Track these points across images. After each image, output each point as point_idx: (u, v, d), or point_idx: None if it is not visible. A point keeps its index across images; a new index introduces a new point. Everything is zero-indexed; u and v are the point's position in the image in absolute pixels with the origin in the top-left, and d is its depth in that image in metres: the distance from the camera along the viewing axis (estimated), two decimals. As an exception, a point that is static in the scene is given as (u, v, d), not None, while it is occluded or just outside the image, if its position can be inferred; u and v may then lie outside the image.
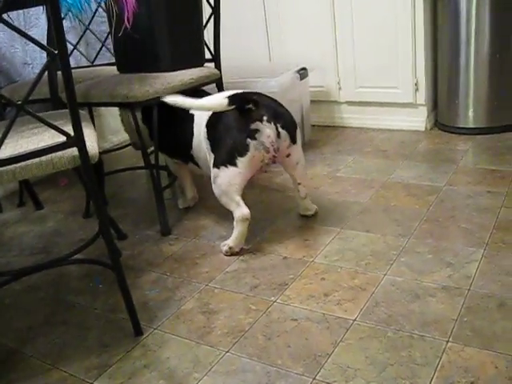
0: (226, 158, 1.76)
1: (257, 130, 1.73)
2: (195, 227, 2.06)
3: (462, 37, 2.57)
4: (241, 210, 1.78)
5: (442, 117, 2.81)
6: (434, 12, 2.72)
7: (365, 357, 1.27)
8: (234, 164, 1.75)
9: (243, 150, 1.73)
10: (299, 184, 1.93)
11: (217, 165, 1.78)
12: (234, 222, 1.80)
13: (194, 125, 1.92)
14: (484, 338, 1.28)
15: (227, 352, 1.35)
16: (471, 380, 1.16)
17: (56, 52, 1.15)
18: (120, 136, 3.24)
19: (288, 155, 1.84)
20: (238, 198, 1.79)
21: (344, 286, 1.56)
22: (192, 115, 1.94)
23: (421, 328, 1.34)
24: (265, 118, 1.74)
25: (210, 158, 1.83)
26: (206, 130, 1.84)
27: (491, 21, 2.49)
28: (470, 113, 2.68)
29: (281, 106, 1.84)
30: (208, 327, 1.46)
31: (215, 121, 1.81)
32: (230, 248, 1.81)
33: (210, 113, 1.84)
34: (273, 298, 1.54)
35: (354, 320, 1.41)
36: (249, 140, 1.73)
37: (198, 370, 1.31)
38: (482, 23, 2.50)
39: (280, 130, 1.77)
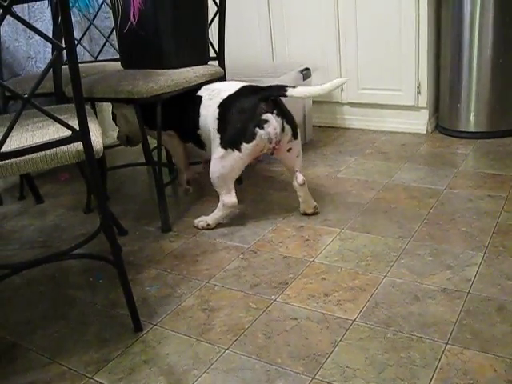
0: (232, 141, 1.86)
1: (266, 121, 1.83)
2: (196, 225, 2.06)
3: (464, 41, 2.58)
4: (231, 198, 1.94)
5: (444, 120, 2.82)
6: (437, 16, 2.72)
7: (364, 357, 1.28)
8: (239, 149, 1.85)
9: (250, 137, 1.84)
10: (296, 171, 1.99)
11: (224, 145, 1.87)
12: (220, 205, 1.96)
13: (202, 106, 1.98)
14: (483, 341, 1.28)
15: (227, 349, 1.36)
16: (470, 382, 1.17)
17: (64, 46, 1.15)
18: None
19: (289, 149, 1.94)
20: (232, 186, 1.93)
21: (344, 286, 1.56)
22: (200, 97, 2.00)
23: (420, 330, 1.35)
24: (275, 111, 1.85)
25: (215, 137, 1.90)
26: (218, 110, 1.90)
27: (494, 25, 2.50)
28: (472, 117, 2.68)
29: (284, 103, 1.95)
30: (208, 324, 1.46)
31: (229, 103, 1.90)
32: (208, 225, 1.99)
33: (226, 95, 1.92)
34: (273, 297, 1.55)
35: (354, 320, 1.41)
36: (257, 129, 1.83)
37: (197, 366, 1.31)
38: (485, 27, 2.51)
39: (285, 124, 1.88)
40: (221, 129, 1.89)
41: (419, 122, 2.83)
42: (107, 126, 3.20)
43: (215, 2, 2.19)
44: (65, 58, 2.49)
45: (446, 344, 1.29)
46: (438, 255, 1.67)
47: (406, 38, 2.69)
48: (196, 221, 2.02)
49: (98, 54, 2.77)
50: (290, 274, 1.65)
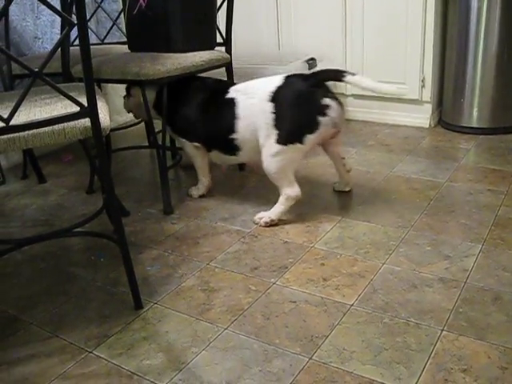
0: (294, 135, 1.77)
1: (327, 106, 1.76)
2: (198, 208, 2.08)
3: (471, 36, 2.59)
4: (294, 190, 1.85)
5: (447, 115, 2.83)
6: (444, 9, 2.73)
7: (361, 340, 1.30)
8: (301, 141, 1.77)
9: (314, 128, 1.76)
10: (343, 158, 2.01)
11: (283, 142, 1.77)
12: (282, 198, 1.87)
13: (239, 108, 1.88)
14: (478, 329, 1.30)
15: (226, 329, 1.38)
16: (464, 368, 1.19)
17: (75, 22, 1.16)
18: (125, 116, 3.25)
19: (339, 131, 1.88)
20: (293, 177, 1.85)
21: (343, 272, 1.58)
22: (232, 99, 1.91)
23: (417, 316, 1.37)
24: (329, 94, 1.78)
25: (269, 133, 1.79)
26: (271, 104, 1.79)
27: (501, 21, 2.51)
28: (475, 112, 2.69)
29: None
30: (208, 304, 1.48)
31: (283, 95, 1.79)
32: (272, 221, 1.88)
33: (274, 88, 1.81)
34: (272, 280, 1.57)
35: (352, 305, 1.43)
36: (319, 117, 1.75)
37: (196, 344, 1.33)
38: (491, 23, 2.52)
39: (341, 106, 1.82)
40: (278, 124, 1.77)
41: (422, 116, 2.85)
42: (111, 109, 3.21)
43: (224, -12, 2.20)
44: (72, 39, 2.50)
45: (442, 330, 1.31)
46: (436, 245, 1.69)
47: (413, 31, 2.70)
48: (256, 217, 1.91)
49: (105, 37, 2.77)
50: (290, 259, 1.67)
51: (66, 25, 1.21)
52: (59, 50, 1.93)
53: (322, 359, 1.25)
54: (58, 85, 1.26)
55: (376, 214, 1.92)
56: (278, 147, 1.78)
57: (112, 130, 2.89)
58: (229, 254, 1.72)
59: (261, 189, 2.20)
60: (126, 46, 2.27)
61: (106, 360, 1.30)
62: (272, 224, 1.88)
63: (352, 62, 2.92)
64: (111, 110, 3.19)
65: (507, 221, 1.81)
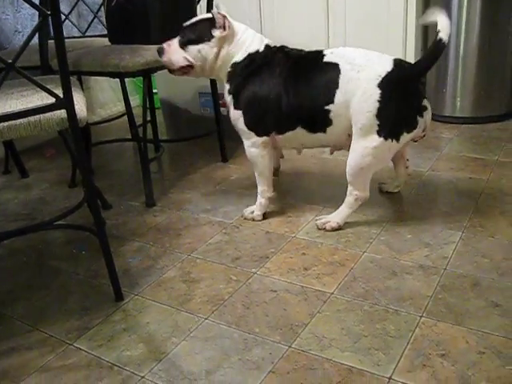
0: (395, 130, 1.63)
1: (426, 108, 1.66)
2: (180, 200, 2.07)
3: (452, 27, 2.59)
4: (366, 192, 1.72)
5: (431, 105, 2.83)
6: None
7: (340, 328, 1.30)
8: (398, 139, 1.64)
9: (412, 127, 1.64)
10: (407, 160, 1.92)
11: (384, 135, 1.62)
12: (351, 199, 1.74)
13: (343, 77, 1.64)
14: (457, 315, 1.31)
15: (206, 319, 1.38)
16: (442, 353, 1.20)
17: (49, 13, 1.15)
18: (108, 109, 3.24)
19: (424, 136, 1.76)
20: (369, 179, 1.73)
21: (324, 261, 1.59)
22: (335, 64, 1.67)
23: (396, 303, 1.37)
24: (426, 95, 1.69)
25: (369, 122, 1.62)
26: (378, 91, 1.59)
27: (482, 11, 2.52)
28: (457, 102, 2.71)
29: None
30: (188, 295, 1.48)
31: (393, 85, 1.61)
32: (339, 225, 1.76)
33: (383, 71, 1.61)
34: (253, 270, 1.57)
35: (332, 293, 1.44)
36: (418, 117, 1.64)
37: (176, 335, 1.33)
38: (472, 14, 2.53)
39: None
40: (382, 114, 1.60)
41: (405, 106, 2.85)
42: (94, 103, 3.20)
43: (204, -22, 2.19)
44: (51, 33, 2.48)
45: (421, 317, 1.32)
46: (417, 233, 1.70)
47: (394, 22, 2.71)
48: (320, 222, 1.77)
49: (86, 30, 2.75)
50: (272, 249, 1.67)
51: (41, 16, 1.20)
52: (39, 41, 1.92)
53: (301, 347, 1.25)
54: (35, 77, 1.25)
55: (358, 203, 1.93)
56: (378, 140, 1.62)
57: (95, 123, 2.90)
58: (210, 245, 1.72)
59: (244, 180, 2.20)
60: (107, 38, 2.26)
61: (86, 352, 1.30)
62: (339, 228, 1.76)
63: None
64: (94, 104, 3.18)
65: (487, 208, 1.82)
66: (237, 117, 1.78)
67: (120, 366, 1.25)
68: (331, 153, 1.86)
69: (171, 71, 1.83)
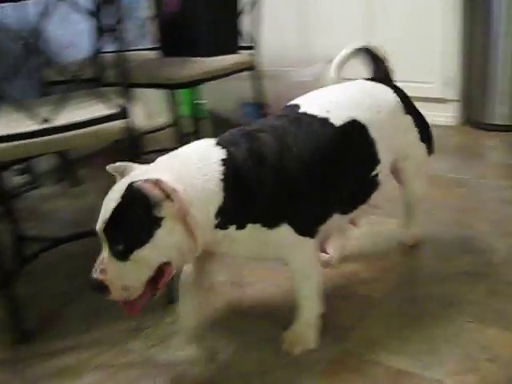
0: (432, 147, 1.62)
1: None
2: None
3: (497, 33, 2.58)
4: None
5: (473, 113, 2.83)
6: (470, 6, 2.72)
7: (388, 332, 1.33)
8: (433, 152, 1.63)
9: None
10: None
11: (430, 153, 1.61)
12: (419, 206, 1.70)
13: (371, 130, 1.36)
14: (505, 321, 1.32)
15: (258, 320, 1.42)
16: (490, 357, 1.21)
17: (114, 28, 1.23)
18: (154, 120, 3.32)
19: None
20: None
21: (371, 267, 1.62)
22: (352, 122, 1.34)
23: (443, 308, 1.39)
24: None
25: (418, 149, 1.56)
26: (409, 117, 1.51)
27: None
28: (501, 110, 2.69)
29: None
30: (238, 298, 1.52)
31: (410, 105, 1.54)
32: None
33: (395, 97, 1.49)
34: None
35: (380, 298, 1.46)
36: None
37: (227, 335, 1.38)
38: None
39: None
40: (424, 135, 1.56)
41: (448, 115, 2.85)
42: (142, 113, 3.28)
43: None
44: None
45: (468, 322, 1.33)
46: (463, 240, 1.71)
47: (437, 29, 2.71)
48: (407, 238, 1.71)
49: (134, 44, 2.84)
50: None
51: (98, 32, 1.27)
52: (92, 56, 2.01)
53: (350, 350, 1.28)
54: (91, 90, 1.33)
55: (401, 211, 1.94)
56: (428, 159, 1.62)
57: (143, 133, 2.97)
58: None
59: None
60: (157, 51, 2.34)
61: (139, 351, 1.36)
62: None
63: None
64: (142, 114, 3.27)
65: (534, 216, 1.82)
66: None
67: (173, 365, 1.30)
68: None
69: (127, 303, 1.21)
